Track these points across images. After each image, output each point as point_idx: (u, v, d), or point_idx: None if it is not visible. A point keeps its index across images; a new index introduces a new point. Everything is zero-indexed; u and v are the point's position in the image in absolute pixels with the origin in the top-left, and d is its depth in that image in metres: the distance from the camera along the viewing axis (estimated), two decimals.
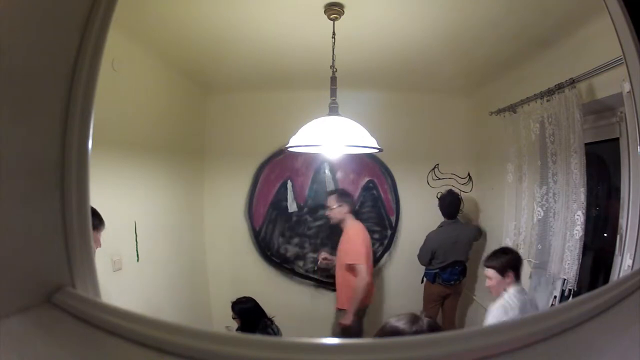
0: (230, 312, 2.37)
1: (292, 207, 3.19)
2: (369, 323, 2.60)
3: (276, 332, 2.35)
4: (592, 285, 1.97)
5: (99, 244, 1.58)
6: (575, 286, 1.77)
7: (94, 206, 1.53)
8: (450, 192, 2.88)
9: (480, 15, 1.69)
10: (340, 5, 1.60)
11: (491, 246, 2.74)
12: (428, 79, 2.75)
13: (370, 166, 3.20)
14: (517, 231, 2.30)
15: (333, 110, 1.66)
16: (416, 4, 1.62)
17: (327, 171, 3.21)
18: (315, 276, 3.20)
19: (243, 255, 3.17)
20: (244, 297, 2.39)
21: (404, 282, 3.13)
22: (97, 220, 1.56)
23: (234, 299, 2.38)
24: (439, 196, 2.96)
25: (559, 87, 1.82)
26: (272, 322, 2.40)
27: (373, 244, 3.21)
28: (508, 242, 2.36)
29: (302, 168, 3.19)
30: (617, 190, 1.77)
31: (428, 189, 3.21)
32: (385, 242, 3.21)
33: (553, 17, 1.68)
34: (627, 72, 0.55)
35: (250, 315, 2.33)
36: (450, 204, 2.81)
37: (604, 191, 2.00)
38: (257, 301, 2.40)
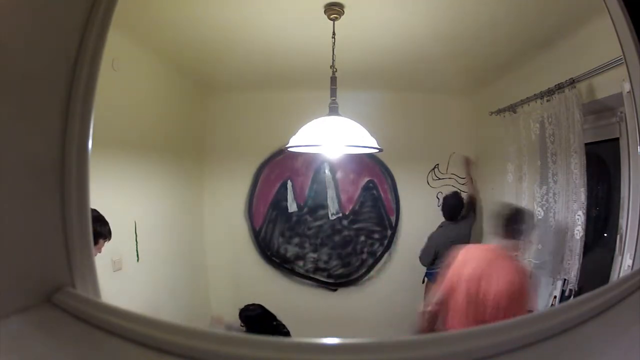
0: (224, 312, 2.34)
1: (292, 207, 3.19)
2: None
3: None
4: (592, 285, 1.97)
5: (99, 251, 1.59)
6: (576, 286, 1.77)
7: (97, 208, 1.54)
8: (455, 195, 2.87)
9: (480, 15, 1.69)
10: (340, 5, 1.60)
11: None
12: (428, 79, 2.75)
13: (370, 166, 3.20)
14: None
15: (333, 110, 1.66)
16: (416, 4, 1.62)
17: (327, 171, 3.21)
18: (316, 276, 3.20)
19: (243, 255, 3.17)
20: (252, 305, 2.33)
21: (404, 282, 3.12)
22: (107, 231, 1.57)
23: (242, 306, 2.31)
24: (442, 196, 2.95)
25: (559, 87, 1.82)
26: (283, 326, 2.33)
27: (372, 244, 3.22)
28: None
29: (302, 168, 3.19)
30: (617, 190, 1.77)
31: (428, 189, 3.20)
32: (385, 242, 3.21)
33: (553, 17, 1.68)
34: (627, 72, 0.55)
35: (255, 322, 2.27)
36: (453, 206, 2.79)
37: (604, 191, 2.00)
38: (260, 303, 2.36)
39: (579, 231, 1.75)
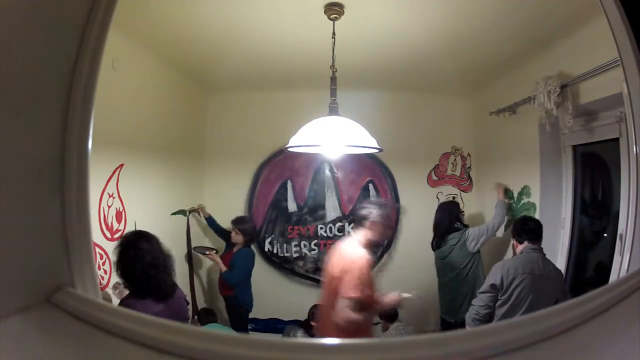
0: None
1: (292, 207, 3.19)
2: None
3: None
4: (592, 285, 1.97)
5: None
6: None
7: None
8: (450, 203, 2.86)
9: (480, 16, 1.69)
10: (340, 5, 1.60)
11: (491, 246, 2.74)
12: (428, 79, 2.75)
13: (370, 166, 3.20)
14: None
15: (333, 110, 1.66)
16: (416, 4, 1.62)
17: (327, 171, 3.21)
18: (316, 276, 3.20)
19: None
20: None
21: (404, 282, 3.12)
22: None
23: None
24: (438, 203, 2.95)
25: (562, 87, 1.82)
26: None
27: None
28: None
29: (302, 168, 3.19)
30: (617, 190, 1.77)
31: (428, 189, 3.20)
32: (385, 242, 3.21)
33: (553, 18, 1.68)
34: (623, 73, 0.55)
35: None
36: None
37: (604, 191, 2.00)
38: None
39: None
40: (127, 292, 1.48)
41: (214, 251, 2.67)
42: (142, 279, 1.39)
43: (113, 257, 1.45)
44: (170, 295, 1.48)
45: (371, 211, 1.78)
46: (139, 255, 1.40)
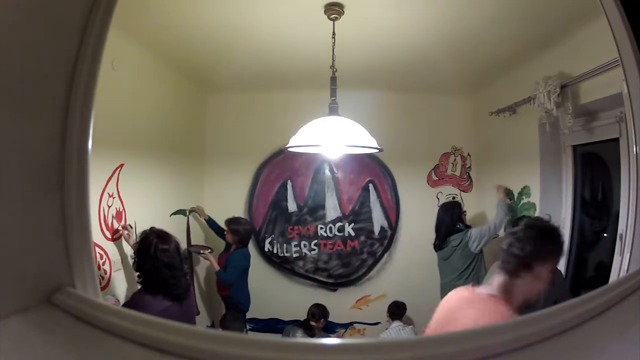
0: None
1: (292, 207, 3.19)
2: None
3: None
4: (593, 285, 1.97)
5: None
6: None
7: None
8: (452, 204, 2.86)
9: (480, 16, 1.69)
10: (340, 5, 1.60)
11: (495, 246, 2.74)
12: (428, 79, 2.75)
13: (370, 166, 3.20)
14: None
15: (333, 110, 1.66)
16: (416, 4, 1.62)
17: (327, 171, 3.21)
18: (316, 276, 3.20)
19: None
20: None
21: (403, 282, 3.12)
22: None
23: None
24: (438, 204, 2.95)
25: (562, 87, 1.82)
26: None
27: (373, 244, 3.22)
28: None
29: (302, 168, 3.19)
30: (617, 190, 1.77)
31: (428, 189, 3.20)
32: (385, 242, 3.21)
33: (553, 18, 1.68)
34: (624, 73, 0.55)
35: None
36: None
37: (604, 191, 2.01)
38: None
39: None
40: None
41: (209, 250, 2.68)
42: (155, 276, 1.45)
43: (132, 252, 1.52)
44: (183, 297, 1.53)
45: (538, 249, 0.97)
46: (158, 255, 1.46)
